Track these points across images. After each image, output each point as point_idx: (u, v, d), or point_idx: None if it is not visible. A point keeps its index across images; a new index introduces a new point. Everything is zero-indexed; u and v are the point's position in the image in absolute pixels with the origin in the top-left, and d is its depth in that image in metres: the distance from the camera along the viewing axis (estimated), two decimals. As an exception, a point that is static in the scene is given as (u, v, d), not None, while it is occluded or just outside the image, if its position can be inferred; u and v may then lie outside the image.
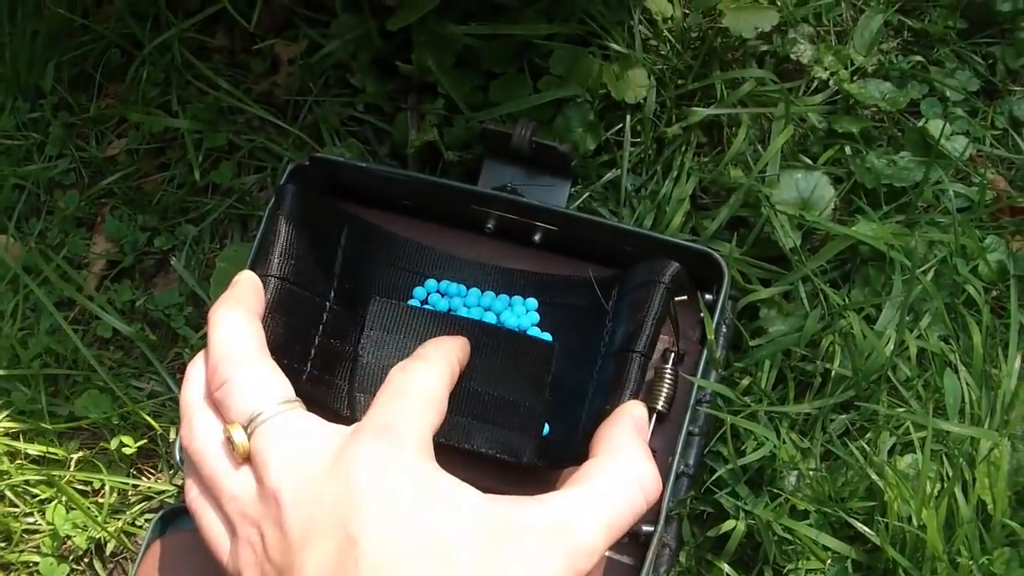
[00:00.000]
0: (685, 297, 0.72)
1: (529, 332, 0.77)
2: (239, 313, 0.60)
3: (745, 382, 0.78)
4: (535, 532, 0.50)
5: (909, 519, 0.71)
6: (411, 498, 0.50)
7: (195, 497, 0.56)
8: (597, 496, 0.54)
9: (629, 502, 0.54)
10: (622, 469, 0.56)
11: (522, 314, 0.78)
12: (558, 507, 0.52)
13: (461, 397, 0.71)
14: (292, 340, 0.68)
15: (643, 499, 0.55)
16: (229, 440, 0.54)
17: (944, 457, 0.74)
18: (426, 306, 0.78)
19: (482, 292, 0.79)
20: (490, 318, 0.78)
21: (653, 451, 0.73)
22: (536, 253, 0.81)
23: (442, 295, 0.79)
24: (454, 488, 0.52)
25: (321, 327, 0.72)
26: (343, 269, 0.75)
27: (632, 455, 0.57)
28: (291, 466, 0.53)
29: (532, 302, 0.79)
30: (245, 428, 0.54)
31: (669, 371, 0.76)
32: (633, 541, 0.75)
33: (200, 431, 0.56)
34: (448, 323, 0.73)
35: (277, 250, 0.70)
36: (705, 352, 0.75)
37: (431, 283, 0.80)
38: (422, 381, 0.58)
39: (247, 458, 0.54)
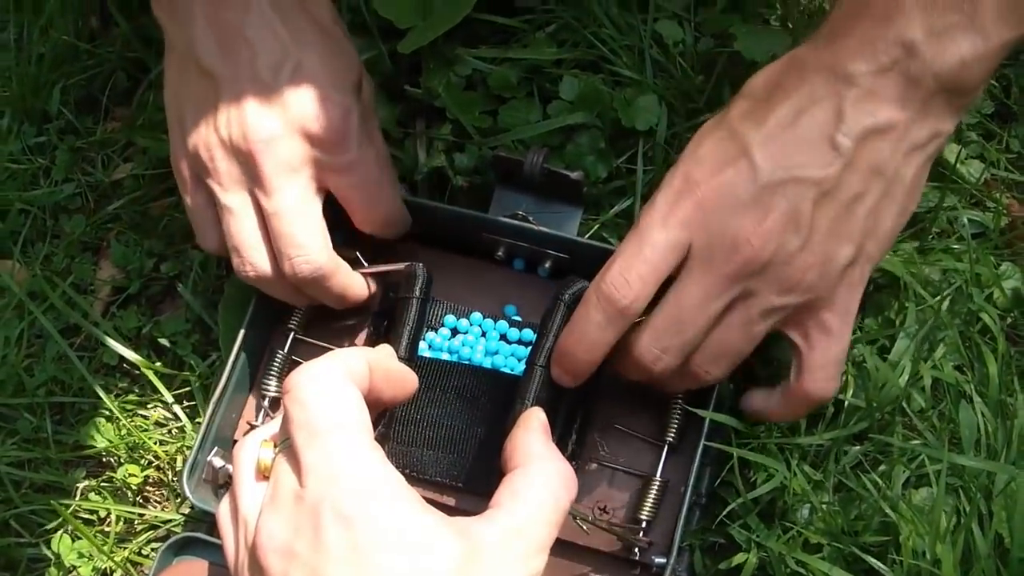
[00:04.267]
0: None
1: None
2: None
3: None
4: (496, 553, 0.54)
5: (924, 554, 0.70)
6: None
7: None
8: (535, 502, 0.58)
9: (560, 501, 0.59)
10: (546, 474, 0.60)
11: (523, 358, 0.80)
12: (509, 523, 0.56)
13: (471, 441, 0.77)
14: None
15: (568, 496, 0.59)
16: None
17: (960, 491, 0.73)
18: (437, 352, 0.81)
19: (487, 338, 0.81)
20: (499, 362, 0.80)
21: (665, 482, 0.74)
22: (546, 282, 0.80)
23: (452, 340, 0.82)
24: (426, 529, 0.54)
25: None
26: None
27: (550, 459, 0.61)
28: None
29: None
30: None
31: (678, 402, 0.75)
32: (645, 572, 0.74)
33: None
34: (451, 371, 0.79)
35: (406, 331, 0.75)
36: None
37: (444, 332, 0.82)
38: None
39: None
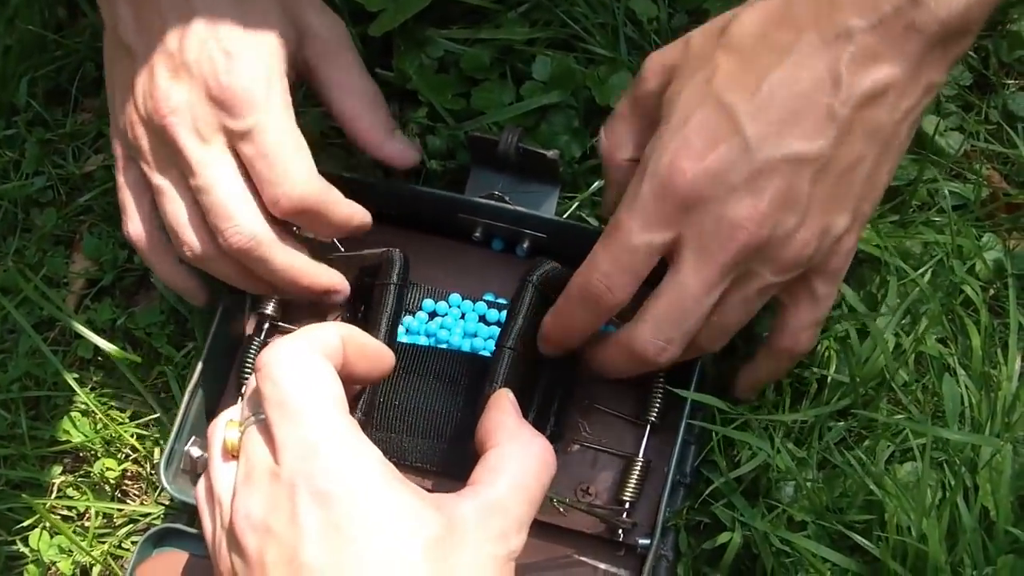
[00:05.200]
0: None
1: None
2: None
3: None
4: (474, 529, 0.54)
5: (909, 530, 0.70)
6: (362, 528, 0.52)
7: None
8: (513, 478, 0.58)
9: (539, 476, 0.59)
10: (522, 450, 0.60)
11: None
12: (487, 499, 0.56)
13: (451, 425, 0.77)
14: None
15: (547, 472, 0.60)
16: None
17: (944, 465, 0.73)
18: (414, 336, 0.80)
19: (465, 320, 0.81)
20: (478, 344, 0.79)
21: (648, 462, 0.73)
22: (525, 262, 0.80)
23: (430, 323, 0.81)
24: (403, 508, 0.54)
25: None
26: None
27: (525, 435, 0.61)
28: None
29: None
30: None
31: (660, 382, 0.75)
32: (630, 553, 0.74)
33: None
34: (429, 356, 0.78)
35: (384, 318, 0.75)
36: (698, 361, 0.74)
37: (421, 315, 0.81)
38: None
39: None
